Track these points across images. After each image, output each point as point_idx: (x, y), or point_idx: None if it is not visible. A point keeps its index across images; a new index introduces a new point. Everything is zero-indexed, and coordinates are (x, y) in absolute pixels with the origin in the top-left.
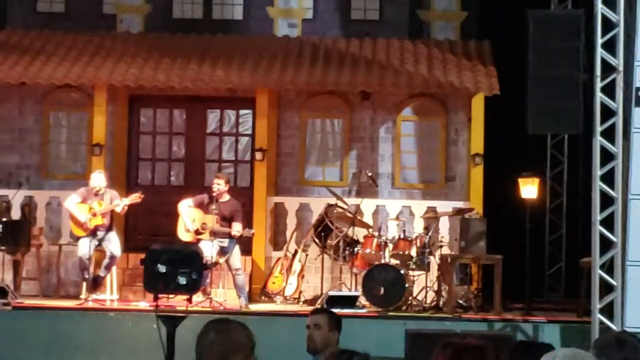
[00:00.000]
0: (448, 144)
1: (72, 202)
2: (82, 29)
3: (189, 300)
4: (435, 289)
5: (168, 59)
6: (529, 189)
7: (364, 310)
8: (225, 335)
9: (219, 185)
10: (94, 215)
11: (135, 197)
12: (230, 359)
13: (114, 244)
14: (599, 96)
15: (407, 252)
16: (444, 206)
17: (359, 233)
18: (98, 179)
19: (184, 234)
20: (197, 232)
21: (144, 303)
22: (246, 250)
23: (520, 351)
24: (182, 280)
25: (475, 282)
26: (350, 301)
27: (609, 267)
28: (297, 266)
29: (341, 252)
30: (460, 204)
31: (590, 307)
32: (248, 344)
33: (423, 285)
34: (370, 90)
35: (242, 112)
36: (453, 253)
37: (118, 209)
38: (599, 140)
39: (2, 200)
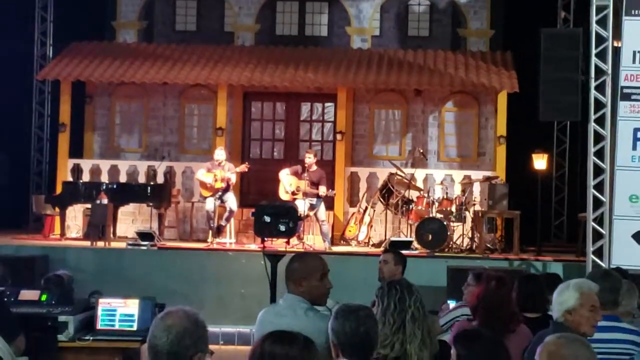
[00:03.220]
0: (480, 128)
1: (201, 173)
2: (209, 42)
3: (287, 242)
4: (470, 236)
5: (272, 65)
6: (540, 162)
7: (416, 252)
8: (304, 263)
9: (309, 159)
10: (216, 180)
11: (243, 167)
12: (307, 278)
13: (232, 201)
14: (593, 93)
15: (449, 209)
16: (476, 175)
17: (413, 194)
18: (220, 154)
19: (284, 195)
20: (293, 193)
21: (254, 245)
22: (329, 206)
23: (526, 280)
24: (282, 228)
25: (499, 231)
26: (406, 245)
27: (599, 220)
28: (367, 219)
29: (400, 209)
30: (488, 173)
31: (585, 249)
32: (321, 269)
33: (460, 233)
34: (422, 89)
35: (326, 104)
36: (483, 209)
37: (233, 177)
38: (592, 126)
39: (150, 169)
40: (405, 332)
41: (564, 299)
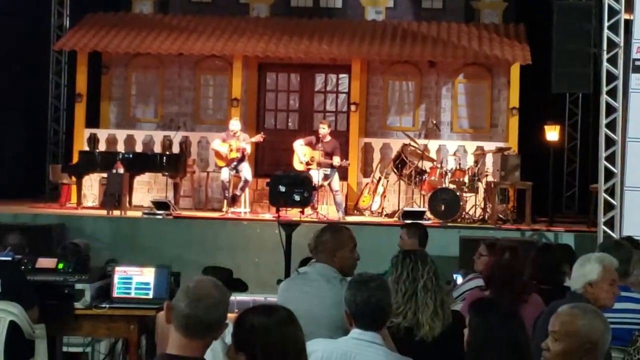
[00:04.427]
0: (492, 100)
1: (216, 143)
2: (224, 14)
3: (302, 212)
4: (482, 206)
5: (287, 36)
6: (552, 133)
7: (429, 222)
8: (338, 234)
9: (324, 129)
10: (231, 150)
11: (258, 137)
12: (340, 250)
13: (246, 171)
14: (605, 65)
15: (461, 179)
16: (489, 146)
17: (426, 165)
18: (235, 124)
19: (298, 165)
20: (307, 164)
21: (268, 214)
22: (343, 176)
23: (542, 251)
24: (297, 198)
25: (511, 201)
26: (419, 215)
27: (610, 191)
28: (380, 189)
29: (413, 179)
30: (501, 144)
31: (596, 220)
32: (351, 242)
33: (473, 203)
34: (435, 60)
35: (341, 75)
36: (495, 180)
37: (248, 147)
38: (604, 98)
39: (166, 139)
40: (417, 301)
41: (586, 271)
